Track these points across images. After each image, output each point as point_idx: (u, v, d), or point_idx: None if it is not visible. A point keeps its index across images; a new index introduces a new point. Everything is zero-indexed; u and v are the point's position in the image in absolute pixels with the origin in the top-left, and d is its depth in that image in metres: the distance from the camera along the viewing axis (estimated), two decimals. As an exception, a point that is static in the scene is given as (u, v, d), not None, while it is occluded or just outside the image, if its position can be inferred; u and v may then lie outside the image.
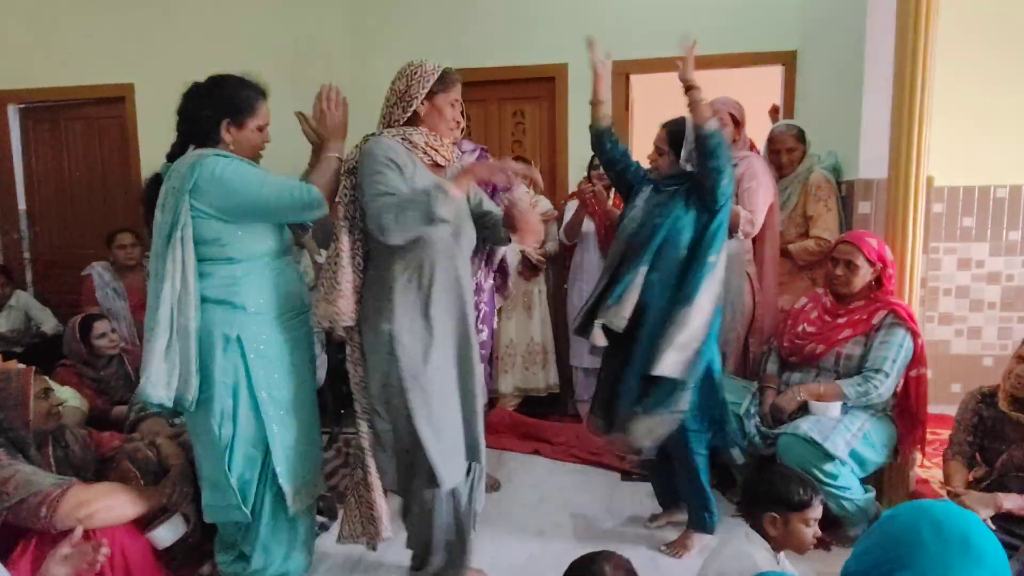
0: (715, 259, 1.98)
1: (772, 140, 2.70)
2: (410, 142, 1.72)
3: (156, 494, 1.83)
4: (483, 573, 2.00)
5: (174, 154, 1.70)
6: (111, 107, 4.04)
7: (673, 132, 2.07)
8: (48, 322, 3.75)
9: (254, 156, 1.75)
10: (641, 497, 2.49)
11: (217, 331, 1.63)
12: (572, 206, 3.29)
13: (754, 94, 3.85)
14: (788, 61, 3.42)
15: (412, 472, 1.77)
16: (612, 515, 2.41)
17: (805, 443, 1.98)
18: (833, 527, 2.04)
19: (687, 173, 2.05)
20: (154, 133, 3.96)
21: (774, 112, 3.58)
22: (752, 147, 3.41)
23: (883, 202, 2.41)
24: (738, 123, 2.51)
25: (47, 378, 2.00)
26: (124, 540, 1.71)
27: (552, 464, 2.90)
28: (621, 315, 2.00)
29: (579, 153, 3.58)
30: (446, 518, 1.81)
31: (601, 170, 3.25)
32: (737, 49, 3.43)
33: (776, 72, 3.56)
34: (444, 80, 1.72)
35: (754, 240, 2.54)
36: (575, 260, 3.35)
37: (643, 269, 2.00)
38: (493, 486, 2.65)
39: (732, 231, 2.38)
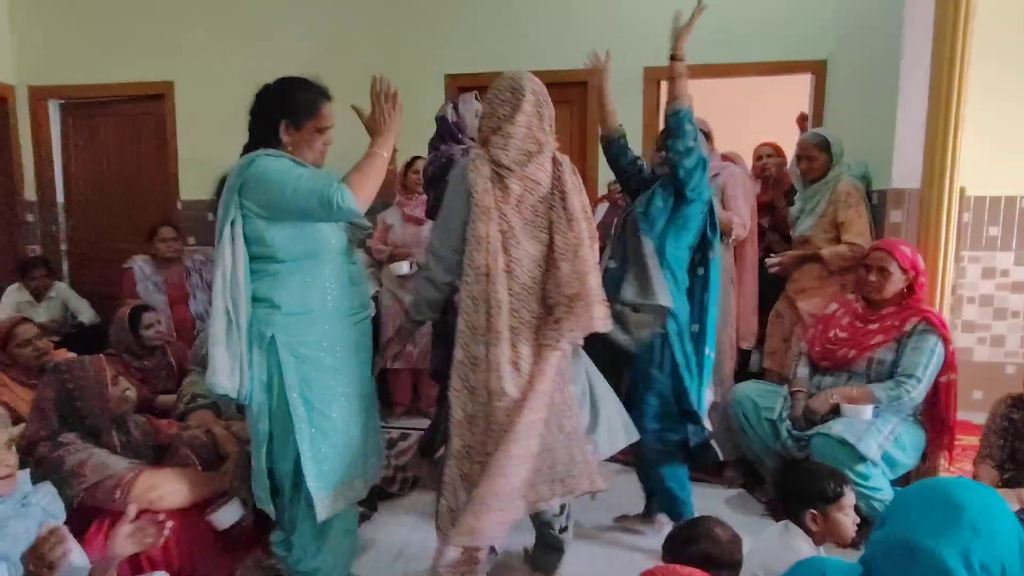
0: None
1: (798, 147, 2.76)
2: None
3: (217, 479, 1.91)
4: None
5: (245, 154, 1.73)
6: (150, 104, 4.14)
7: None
8: (85, 312, 3.85)
9: (316, 159, 1.72)
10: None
11: (256, 329, 1.64)
12: (603, 209, 3.36)
13: (782, 102, 3.92)
14: (818, 70, 3.47)
15: None
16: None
17: (838, 444, 2.05)
18: (862, 527, 2.10)
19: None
20: (193, 130, 4.07)
21: (802, 120, 3.63)
22: (781, 154, 3.48)
23: (915, 212, 2.47)
24: (708, 136, 2.66)
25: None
26: (186, 523, 1.80)
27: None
28: None
29: (608, 157, 3.64)
30: None
31: None
32: (766, 58, 3.49)
33: (805, 80, 3.61)
34: None
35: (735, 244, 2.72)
36: (604, 261, 3.41)
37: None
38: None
39: (724, 236, 2.54)
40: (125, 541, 1.46)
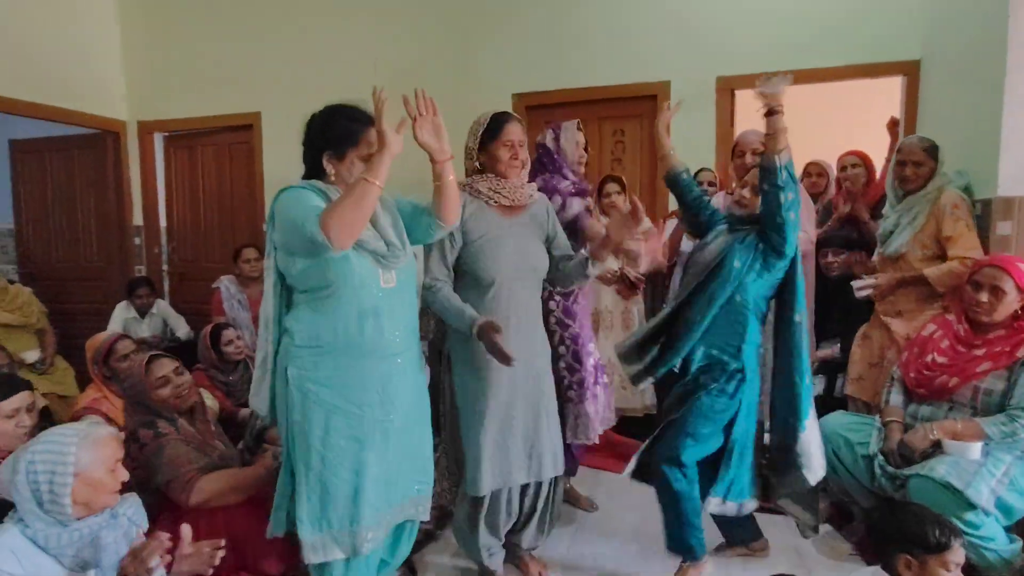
0: (800, 318, 1.92)
1: (900, 151, 2.50)
2: (476, 190, 1.92)
3: (255, 471, 2.04)
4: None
5: None
6: (240, 134, 4.43)
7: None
8: (181, 328, 4.14)
9: None
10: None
11: (278, 360, 1.65)
12: (671, 224, 3.25)
13: (870, 107, 3.66)
14: (911, 71, 3.21)
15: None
16: (715, 538, 2.32)
17: (942, 488, 1.82)
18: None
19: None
20: (277, 157, 4.32)
21: (893, 125, 3.36)
22: (868, 163, 3.23)
23: (1028, 223, 2.21)
24: None
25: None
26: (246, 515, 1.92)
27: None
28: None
29: (680, 171, 3.53)
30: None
31: (704, 186, 3.21)
32: (853, 60, 3.27)
33: (895, 83, 3.35)
34: (493, 128, 1.88)
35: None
36: (673, 279, 3.29)
37: (703, 320, 1.94)
38: (590, 506, 2.64)
39: None
40: (183, 560, 1.52)
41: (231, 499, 1.94)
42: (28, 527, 1.37)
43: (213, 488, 1.91)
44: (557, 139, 2.32)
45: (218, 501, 1.91)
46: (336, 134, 1.60)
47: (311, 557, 1.59)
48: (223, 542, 1.55)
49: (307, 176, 1.66)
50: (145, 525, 1.63)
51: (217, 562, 1.52)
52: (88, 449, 1.42)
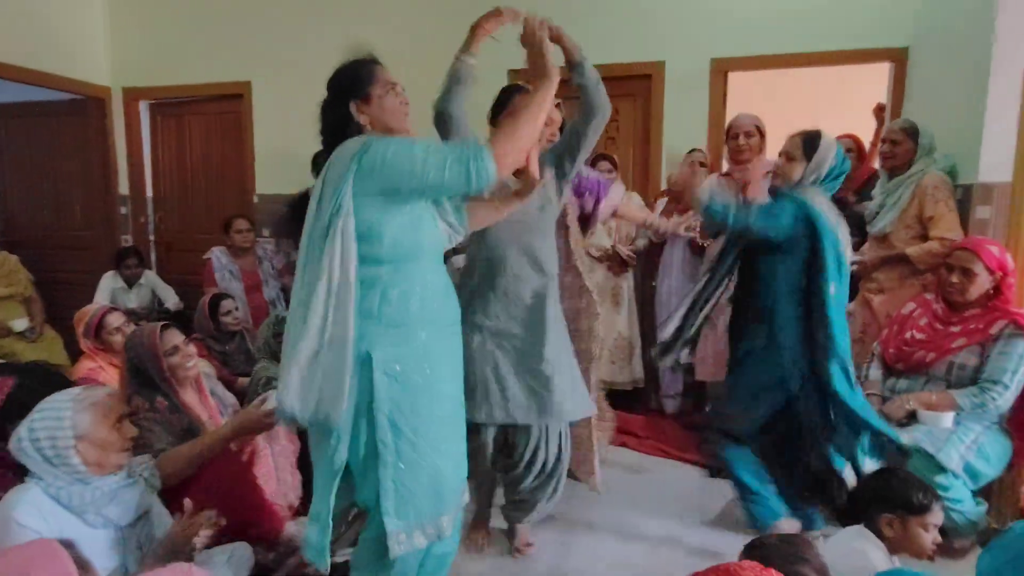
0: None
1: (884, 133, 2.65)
2: None
3: (212, 435, 1.90)
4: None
5: (319, 164, 1.51)
6: (230, 103, 4.36)
7: (807, 140, 2.02)
8: (170, 299, 4.12)
9: (400, 123, 1.53)
10: (729, 494, 2.50)
11: (356, 345, 1.40)
12: (662, 202, 3.32)
13: (858, 93, 3.74)
14: (899, 58, 3.29)
15: None
16: (701, 511, 2.43)
17: (916, 453, 1.95)
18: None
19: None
20: (268, 127, 4.28)
21: (879, 111, 3.46)
22: (860, 147, 3.33)
23: (1005, 207, 2.32)
24: (763, 135, 2.85)
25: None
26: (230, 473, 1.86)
27: (639, 457, 2.95)
28: None
29: (672, 151, 3.59)
30: None
31: (696, 155, 3.26)
32: (843, 46, 3.33)
33: (883, 69, 3.43)
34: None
35: None
36: (664, 257, 3.37)
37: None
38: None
39: None
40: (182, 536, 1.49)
41: (191, 470, 1.80)
42: (50, 485, 1.41)
43: (170, 469, 1.75)
44: None
45: (181, 476, 1.77)
46: (351, 79, 1.52)
47: (396, 549, 1.44)
48: (223, 521, 1.51)
49: (332, 143, 1.49)
50: (159, 485, 1.68)
51: (206, 539, 1.48)
52: (84, 411, 1.43)
